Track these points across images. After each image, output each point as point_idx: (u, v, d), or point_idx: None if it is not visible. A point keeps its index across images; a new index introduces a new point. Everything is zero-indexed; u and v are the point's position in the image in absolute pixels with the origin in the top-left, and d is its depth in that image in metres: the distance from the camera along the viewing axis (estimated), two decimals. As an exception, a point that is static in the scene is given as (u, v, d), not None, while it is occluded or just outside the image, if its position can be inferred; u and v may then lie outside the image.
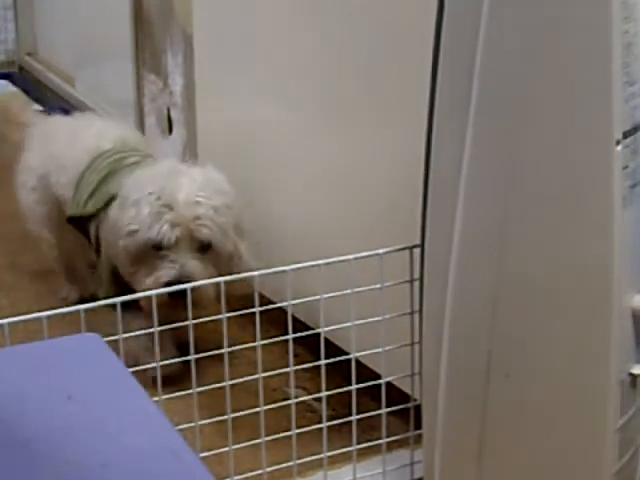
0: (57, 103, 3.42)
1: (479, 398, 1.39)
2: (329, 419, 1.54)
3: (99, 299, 1.49)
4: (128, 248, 1.82)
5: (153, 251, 1.80)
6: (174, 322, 1.52)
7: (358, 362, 1.54)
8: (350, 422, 1.53)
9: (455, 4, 1.29)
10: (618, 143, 1.21)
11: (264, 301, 1.52)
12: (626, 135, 1.23)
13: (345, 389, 1.53)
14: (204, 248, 1.81)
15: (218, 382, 1.50)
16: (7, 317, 1.33)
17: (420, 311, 1.47)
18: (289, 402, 1.50)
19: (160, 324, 1.46)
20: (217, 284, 1.53)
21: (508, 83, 1.26)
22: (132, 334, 1.47)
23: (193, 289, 1.51)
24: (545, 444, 1.36)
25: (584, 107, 1.22)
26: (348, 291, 1.48)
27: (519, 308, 1.33)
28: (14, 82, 3.66)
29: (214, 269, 1.81)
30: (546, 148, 1.26)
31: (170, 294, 1.57)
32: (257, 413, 1.49)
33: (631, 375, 1.31)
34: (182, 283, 1.59)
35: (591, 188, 1.24)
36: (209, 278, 1.71)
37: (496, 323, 1.35)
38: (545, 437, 1.36)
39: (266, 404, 1.50)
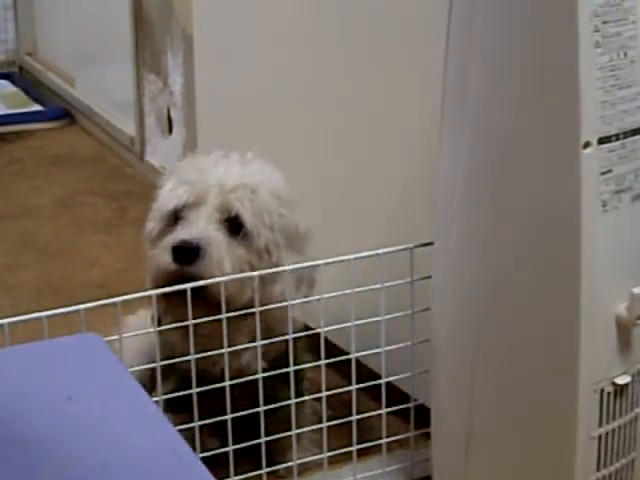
0: (57, 103, 3.42)
1: (467, 394, 1.40)
2: (329, 419, 1.53)
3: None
4: (150, 232, 1.58)
5: (173, 225, 1.55)
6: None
7: (358, 362, 1.54)
8: (350, 422, 1.53)
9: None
10: (587, 146, 1.21)
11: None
12: (611, 139, 1.23)
13: (345, 389, 1.53)
14: (234, 227, 1.53)
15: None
16: (7, 317, 1.33)
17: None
18: (289, 402, 1.50)
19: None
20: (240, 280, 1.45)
21: (493, 88, 1.27)
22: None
23: (205, 273, 1.43)
24: (522, 444, 1.36)
25: (555, 109, 1.22)
26: (348, 291, 1.48)
27: (501, 311, 1.34)
28: (14, 82, 3.66)
29: (244, 259, 1.52)
30: (525, 151, 1.26)
31: (177, 260, 1.46)
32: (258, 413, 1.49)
33: (615, 384, 1.30)
34: (192, 247, 1.46)
35: (563, 191, 1.24)
36: (238, 268, 1.50)
37: (482, 321, 1.36)
38: (522, 438, 1.36)
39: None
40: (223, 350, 1.45)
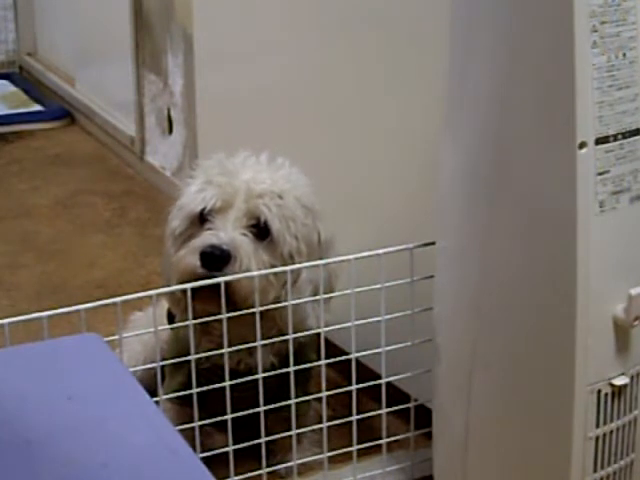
0: (57, 103, 3.42)
1: (465, 394, 1.40)
2: (329, 419, 1.53)
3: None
4: (173, 230, 1.58)
5: (198, 226, 1.55)
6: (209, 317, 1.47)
7: (358, 362, 1.54)
8: (350, 422, 1.53)
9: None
10: (582, 146, 1.20)
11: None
12: (609, 140, 1.23)
13: (345, 389, 1.53)
14: (260, 232, 1.53)
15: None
16: (7, 317, 1.33)
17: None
18: (289, 402, 1.50)
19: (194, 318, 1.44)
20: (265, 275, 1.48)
21: (490, 88, 1.27)
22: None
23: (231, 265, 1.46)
24: (520, 444, 1.36)
25: (551, 109, 1.22)
26: (348, 291, 1.48)
27: (499, 311, 1.34)
28: (14, 82, 3.66)
29: (269, 265, 1.53)
30: (521, 151, 1.26)
31: (205, 265, 1.48)
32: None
33: (612, 386, 1.30)
34: (222, 254, 1.49)
35: (559, 191, 1.24)
36: (262, 270, 1.51)
37: (481, 322, 1.36)
38: (520, 437, 1.36)
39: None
40: (229, 349, 1.46)
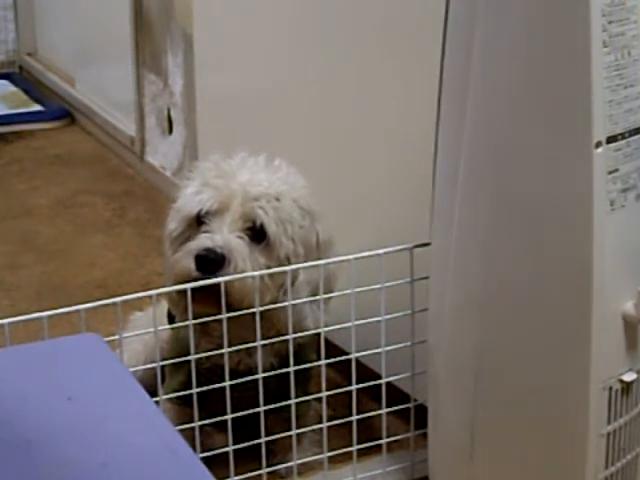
0: (57, 103, 3.42)
1: (470, 395, 1.40)
2: (329, 419, 1.54)
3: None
4: (170, 232, 1.58)
5: (195, 228, 1.55)
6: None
7: (358, 362, 1.54)
8: (350, 422, 1.53)
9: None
10: (598, 146, 1.21)
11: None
12: (617, 138, 1.23)
13: (345, 389, 1.53)
14: (257, 235, 1.53)
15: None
16: (7, 317, 1.33)
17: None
18: (289, 402, 1.50)
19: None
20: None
21: (497, 87, 1.27)
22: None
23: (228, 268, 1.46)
24: (530, 444, 1.36)
25: (566, 109, 1.22)
26: (348, 291, 1.48)
27: (505, 311, 1.34)
28: (14, 82, 3.66)
29: (265, 268, 1.52)
30: (532, 150, 1.26)
31: (200, 268, 1.48)
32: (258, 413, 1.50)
33: (622, 382, 1.30)
34: (216, 257, 1.49)
35: (573, 191, 1.24)
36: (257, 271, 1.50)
37: (485, 322, 1.36)
38: (530, 438, 1.36)
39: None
40: (229, 349, 1.46)
